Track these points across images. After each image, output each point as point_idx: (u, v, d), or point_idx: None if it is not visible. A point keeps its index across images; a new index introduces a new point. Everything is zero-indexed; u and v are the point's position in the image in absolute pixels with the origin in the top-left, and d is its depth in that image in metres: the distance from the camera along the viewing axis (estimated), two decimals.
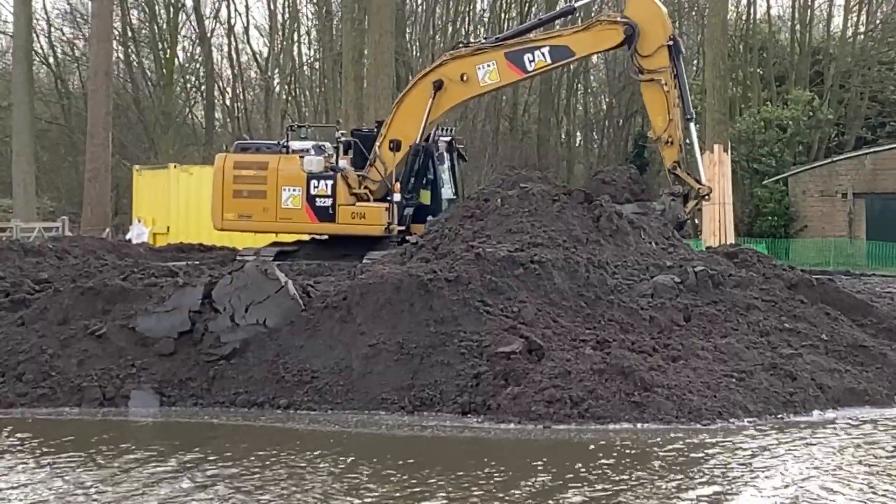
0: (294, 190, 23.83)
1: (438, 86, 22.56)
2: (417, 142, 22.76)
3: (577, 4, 22.74)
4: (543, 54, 21.80)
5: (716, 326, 15.51)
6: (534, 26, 24.07)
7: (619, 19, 21.60)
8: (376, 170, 23.08)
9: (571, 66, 52.78)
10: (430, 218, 22.15)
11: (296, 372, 14.14)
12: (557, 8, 59.42)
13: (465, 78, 22.41)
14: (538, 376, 13.33)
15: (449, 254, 16.16)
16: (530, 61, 21.95)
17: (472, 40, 24.43)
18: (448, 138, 24.53)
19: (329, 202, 23.26)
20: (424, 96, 22.72)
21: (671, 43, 21.26)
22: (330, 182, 23.23)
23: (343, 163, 23.44)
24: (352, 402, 13.72)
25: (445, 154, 24.31)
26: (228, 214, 24.29)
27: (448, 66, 22.82)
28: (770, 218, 47.31)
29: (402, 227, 22.98)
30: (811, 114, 49.34)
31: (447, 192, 23.85)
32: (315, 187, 23.40)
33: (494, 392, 13.38)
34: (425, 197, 23.64)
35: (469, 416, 13.26)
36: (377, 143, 23.29)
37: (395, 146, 22.69)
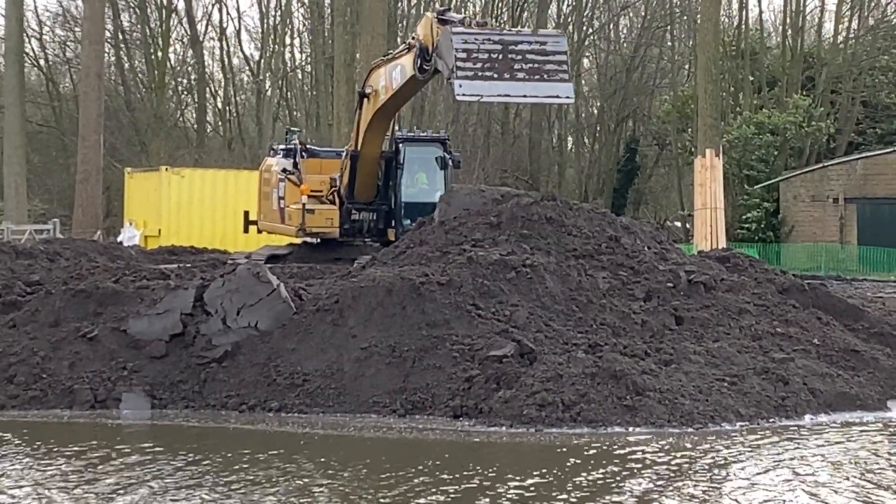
0: (274, 191, 24.33)
1: (361, 96, 22.29)
2: (354, 149, 22.71)
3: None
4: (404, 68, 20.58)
5: (708, 331, 15.52)
6: None
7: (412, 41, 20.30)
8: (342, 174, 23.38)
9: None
10: (394, 222, 22.44)
11: (287, 375, 14.12)
12: (547, 12, 60.00)
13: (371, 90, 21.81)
14: (530, 380, 13.32)
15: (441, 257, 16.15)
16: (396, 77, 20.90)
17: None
18: (437, 141, 24.37)
19: (283, 203, 23.73)
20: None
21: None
22: (283, 184, 23.68)
23: (288, 165, 23.78)
24: (343, 405, 13.69)
25: (434, 158, 24.20)
26: (260, 215, 25.56)
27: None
28: (757, 217, 47.23)
29: (364, 231, 23.08)
30: (810, 122, 49.26)
31: (407, 196, 23.61)
32: (277, 189, 23.91)
33: (486, 395, 13.37)
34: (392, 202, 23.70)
35: (461, 419, 13.25)
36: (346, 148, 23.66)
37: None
